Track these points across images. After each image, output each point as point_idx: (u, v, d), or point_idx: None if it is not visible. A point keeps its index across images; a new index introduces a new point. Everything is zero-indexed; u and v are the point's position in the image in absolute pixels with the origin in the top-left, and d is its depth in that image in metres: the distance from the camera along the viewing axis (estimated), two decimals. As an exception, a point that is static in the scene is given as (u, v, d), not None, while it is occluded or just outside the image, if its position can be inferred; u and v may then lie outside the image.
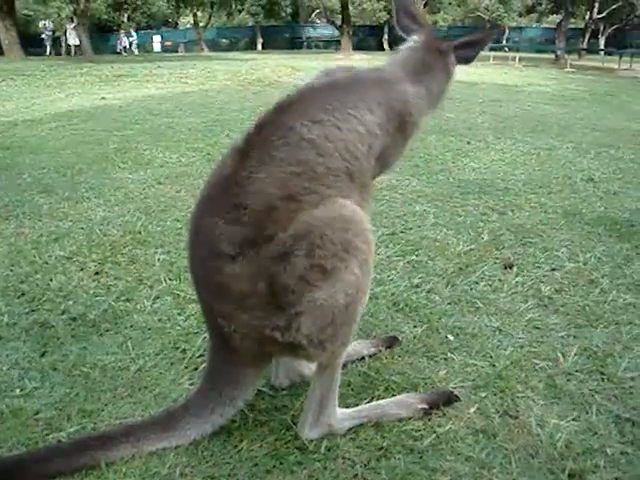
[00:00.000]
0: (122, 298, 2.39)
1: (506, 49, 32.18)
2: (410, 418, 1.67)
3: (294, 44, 45.38)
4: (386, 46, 40.66)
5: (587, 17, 35.82)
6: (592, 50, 33.94)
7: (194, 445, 1.55)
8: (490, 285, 2.56)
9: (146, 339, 2.10)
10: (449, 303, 2.39)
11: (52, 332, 2.13)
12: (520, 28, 49.12)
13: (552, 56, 28.47)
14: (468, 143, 5.68)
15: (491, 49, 26.18)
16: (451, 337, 2.13)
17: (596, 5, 33.20)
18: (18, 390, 1.80)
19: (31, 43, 29.11)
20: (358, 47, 35.51)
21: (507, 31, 46.16)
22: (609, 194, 4.02)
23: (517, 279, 2.61)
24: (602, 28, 37.83)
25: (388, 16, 40.11)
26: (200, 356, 1.97)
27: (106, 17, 44.95)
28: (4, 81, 11.36)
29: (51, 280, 2.53)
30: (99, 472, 1.46)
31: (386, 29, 42.24)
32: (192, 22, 42.66)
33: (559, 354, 2.02)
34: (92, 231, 3.10)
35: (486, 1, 46.14)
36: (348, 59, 23.80)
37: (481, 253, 2.90)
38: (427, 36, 1.79)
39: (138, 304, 2.34)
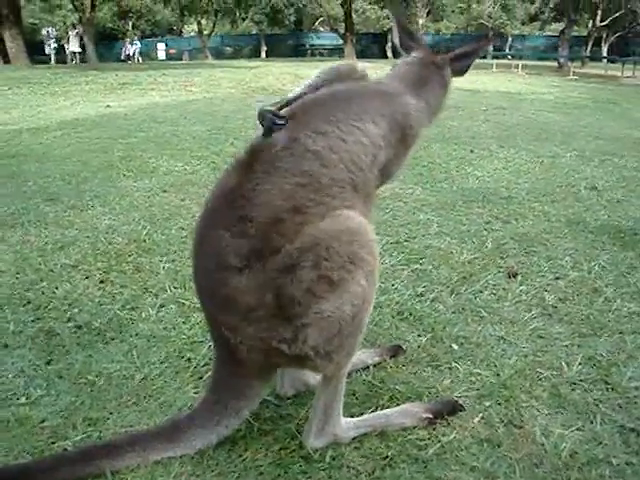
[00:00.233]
0: (127, 306, 2.40)
1: (509, 57, 32.24)
2: (415, 427, 1.67)
3: (298, 52, 45.62)
4: (389, 54, 40.79)
5: (590, 25, 35.92)
6: (595, 58, 33.99)
7: (199, 454, 1.55)
8: (494, 294, 2.57)
9: (151, 347, 2.11)
10: (453, 312, 2.40)
11: (58, 340, 2.14)
12: (523, 36, 49.27)
13: (555, 64, 28.56)
14: (472, 151, 5.69)
15: (494, 57, 26.31)
16: (455, 346, 2.13)
17: (599, 13, 33.29)
18: (24, 398, 1.81)
19: (37, 51, 29.30)
20: (361, 55, 35.70)
21: (510, 39, 46.33)
22: (613, 202, 4.02)
23: (521, 288, 2.61)
24: (605, 36, 37.88)
25: (391, 24, 40.26)
26: (205, 365, 1.97)
27: (111, 25, 45.32)
28: (10, 89, 11.43)
29: (57, 288, 2.54)
30: (104, 481, 1.47)
31: (389, 37, 42.44)
32: (196, 30, 42.94)
33: (563, 363, 2.02)
34: (97, 239, 3.11)
35: (489, 9, 46.30)
36: (351, 67, 23.83)
37: (485, 262, 2.90)
38: (424, 51, 1.86)
39: (143, 312, 2.35)
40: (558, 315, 2.38)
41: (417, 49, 1.88)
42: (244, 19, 46.37)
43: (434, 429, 1.68)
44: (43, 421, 1.70)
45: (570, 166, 5.17)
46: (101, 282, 2.63)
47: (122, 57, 34.85)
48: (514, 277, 2.72)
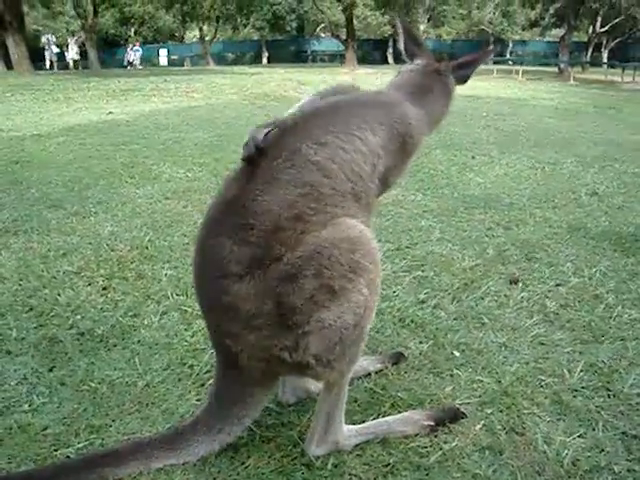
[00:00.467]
0: (129, 313, 2.41)
1: (510, 62, 32.32)
2: (416, 435, 1.67)
3: (299, 58, 45.80)
4: (391, 60, 40.98)
5: (590, 31, 36.05)
6: (595, 63, 34.10)
7: (201, 461, 1.55)
8: (496, 301, 2.57)
9: (153, 355, 2.11)
10: (455, 319, 2.40)
11: (60, 347, 2.14)
12: (523, 42, 49.41)
13: (555, 69, 28.61)
14: (473, 157, 5.70)
15: (495, 62, 26.35)
16: (457, 353, 2.13)
17: (599, 19, 33.40)
18: (26, 405, 1.81)
19: (40, 58, 29.40)
20: (363, 61, 35.80)
21: (511, 45, 46.46)
22: (613, 208, 4.03)
23: (522, 294, 2.62)
24: (605, 41, 38.04)
25: (393, 30, 40.43)
26: (207, 372, 1.98)
27: (113, 32, 45.51)
28: (13, 95, 11.49)
29: (59, 295, 2.55)
30: (107, 488, 1.47)
31: (390, 43, 42.58)
32: (198, 36, 43.09)
33: (565, 370, 2.02)
34: (100, 246, 3.12)
35: (490, 15, 46.45)
36: (353, 73, 23.94)
37: (486, 268, 2.91)
38: (427, 59, 1.87)
39: (145, 319, 2.36)
40: (559, 322, 2.39)
41: (421, 56, 1.89)
42: (246, 25, 46.58)
43: (436, 436, 1.68)
44: (46, 428, 1.70)
45: (571, 172, 5.18)
46: (103, 289, 2.64)
47: (125, 62, 34.97)
48: (515, 284, 2.73)
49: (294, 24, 47.05)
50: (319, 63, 43.19)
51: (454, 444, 1.65)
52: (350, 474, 1.54)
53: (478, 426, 1.72)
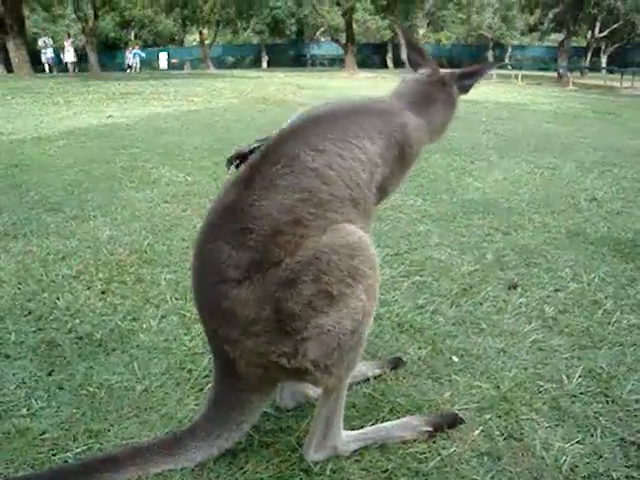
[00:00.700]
0: (128, 317, 2.41)
1: (509, 67, 32.40)
2: (415, 440, 1.67)
3: (299, 62, 45.91)
4: (390, 64, 41.05)
5: (589, 36, 36.17)
6: (594, 68, 34.20)
7: (200, 467, 1.55)
8: (494, 306, 2.57)
9: (152, 359, 2.11)
10: (453, 324, 2.40)
11: (59, 351, 2.14)
12: (523, 47, 49.53)
13: (555, 74, 28.69)
14: (472, 162, 5.72)
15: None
16: (455, 358, 2.13)
17: (597, 24, 33.52)
18: (25, 410, 1.81)
19: (39, 61, 29.39)
20: (362, 65, 35.92)
21: (510, 49, 46.60)
22: (612, 214, 4.04)
23: (521, 300, 2.62)
24: (604, 47, 38.15)
25: (392, 34, 40.56)
26: (206, 377, 1.98)
27: (114, 35, 45.61)
28: (14, 99, 11.51)
29: (58, 299, 2.55)
30: (105, 493, 1.47)
31: (390, 47, 42.68)
32: (198, 40, 43.16)
33: (563, 376, 2.02)
34: (99, 250, 3.12)
35: (489, 20, 46.59)
36: (353, 77, 24.01)
37: (485, 273, 2.91)
38: (432, 68, 1.87)
39: (144, 324, 2.36)
40: (558, 327, 2.39)
41: (425, 66, 1.88)
42: (245, 29, 46.65)
43: (434, 442, 1.68)
44: (44, 433, 1.70)
45: (570, 177, 5.19)
46: (102, 293, 2.64)
47: (125, 66, 34.98)
48: (514, 289, 2.73)
49: (294, 28, 47.12)
50: (319, 67, 43.26)
51: (452, 450, 1.65)
52: (348, 480, 1.54)
53: (476, 432, 1.73)
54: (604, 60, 38.68)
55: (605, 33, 34.81)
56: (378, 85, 17.05)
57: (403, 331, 2.33)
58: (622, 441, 1.71)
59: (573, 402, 1.89)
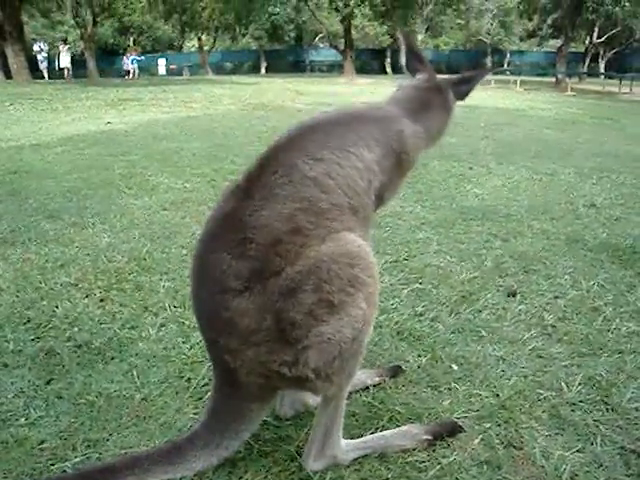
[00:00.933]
0: (127, 325, 2.40)
1: (507, 73, 32.51)
2: (414, 449, 1.67)
3: (297, 67, 46.05)
4: (389, 69, 41.16)
5: (587, 41, 36.29)
6: (592, 74, 34.29)
7: (199, 476, 1.54)
8: (494, 313, 2.57)
9: (151, 367, 2.10)
10: (453, 332, 2.40)
11: (57, 360, 2.14)
12: (521, 52, 49.73)
13: (553, 80, 28.78)
14: (470, 169, 5.72)
15: (492, 73, 26.50)
16: (455, 366, 2.13)
17: (596, 30, 33.66)
18: (23, 419, 1.80)
19: (37, 67, 29.35)
20: (361, 71, 36.00)
21: (508, 55, 46.77)
22: (611, 220, 4.04)
23: (520, 307, 2.62)
24: (602, 52, 38.29)
25: (391, 40, 40.70)
26: (205, 385, 1.97)
27: (112, 41, 45.73)
28: (12, 105, 11.52)
29: (57, 307, 2.54)
30: (104, 503, 1.46)
31: (389, 53, 42.82)
32: (197, 46, 43.26)
33: (563, 384, 2.02)
34: (98, 257, 3.12)
35: (487, 25, 46.80)
36: (351, 83, 24.05)
37: (484, 281, 2.91)
38: (429, 75, 1.88)
39: (143, 332, 2.35)
40: (557, 335, 2.39)
41: (422, 71, 1.90)
42: (244, 35, 46.80)
43: (434, 451, 1.68)
44: (42, 442, 1.69)
45: (569, 183, 5.20)
46: (101, 301, 2.63)
47: (123, 72, 34.97)
48: (513, 296, 2.73)
49: (292, 34, 47.33)
50: (317, 73, 43.39)
51: (452, 458, 1.64)
52: (348, 489, 1.53)
53: (476, 440, 1.72)
54: (602, 65, 38.81)
55: (603, 39, 34.92)
56: (377, 91, 17.09)
57: (402, 339, 2.33)
58: (622, 449, 1.70)
59: (573, 410, 1.88)
